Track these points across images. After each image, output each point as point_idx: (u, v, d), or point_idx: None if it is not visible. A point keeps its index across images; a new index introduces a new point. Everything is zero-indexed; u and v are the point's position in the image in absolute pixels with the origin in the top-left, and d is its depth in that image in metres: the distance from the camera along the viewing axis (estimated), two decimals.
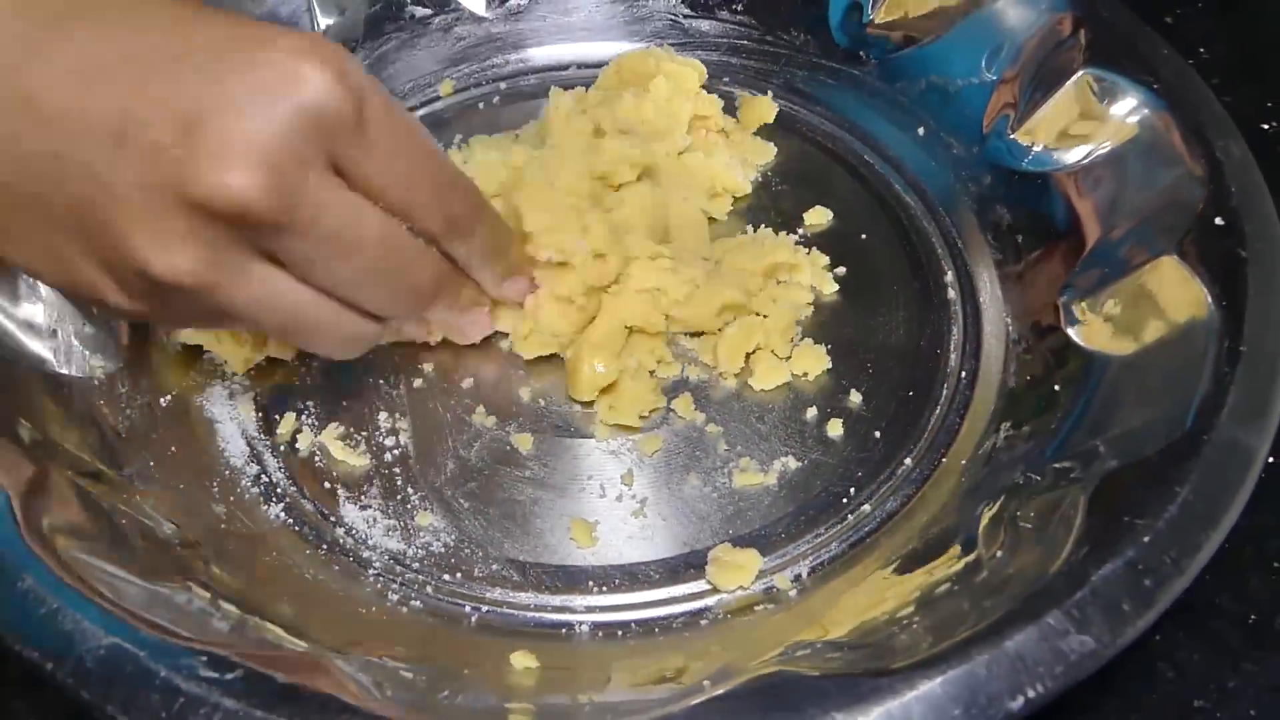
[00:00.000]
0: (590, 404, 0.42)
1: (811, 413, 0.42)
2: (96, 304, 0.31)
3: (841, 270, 0.46)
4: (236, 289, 0.30)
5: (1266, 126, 0.50)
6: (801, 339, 0.43)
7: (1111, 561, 0.29)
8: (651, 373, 0.42)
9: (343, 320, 0.33)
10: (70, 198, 0.29)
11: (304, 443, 0.41)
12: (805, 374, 0.42)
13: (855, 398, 0.42)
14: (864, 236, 0.47)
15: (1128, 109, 0.43)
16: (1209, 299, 0.35)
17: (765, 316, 0.43)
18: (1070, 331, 0.40)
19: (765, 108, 0.51)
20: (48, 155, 0.28)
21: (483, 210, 0.37)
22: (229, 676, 0.27)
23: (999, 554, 0.33)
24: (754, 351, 0.43)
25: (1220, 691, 0.35)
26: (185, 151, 0.28)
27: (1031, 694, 0.27)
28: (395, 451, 0.41)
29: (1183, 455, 0.31)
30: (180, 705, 0.27)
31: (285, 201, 0.29)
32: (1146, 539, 0.29)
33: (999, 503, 0.36)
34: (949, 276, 0.46)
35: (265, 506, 0.39)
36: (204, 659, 0.27)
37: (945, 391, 0.42)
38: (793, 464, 0.40)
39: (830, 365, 0.43)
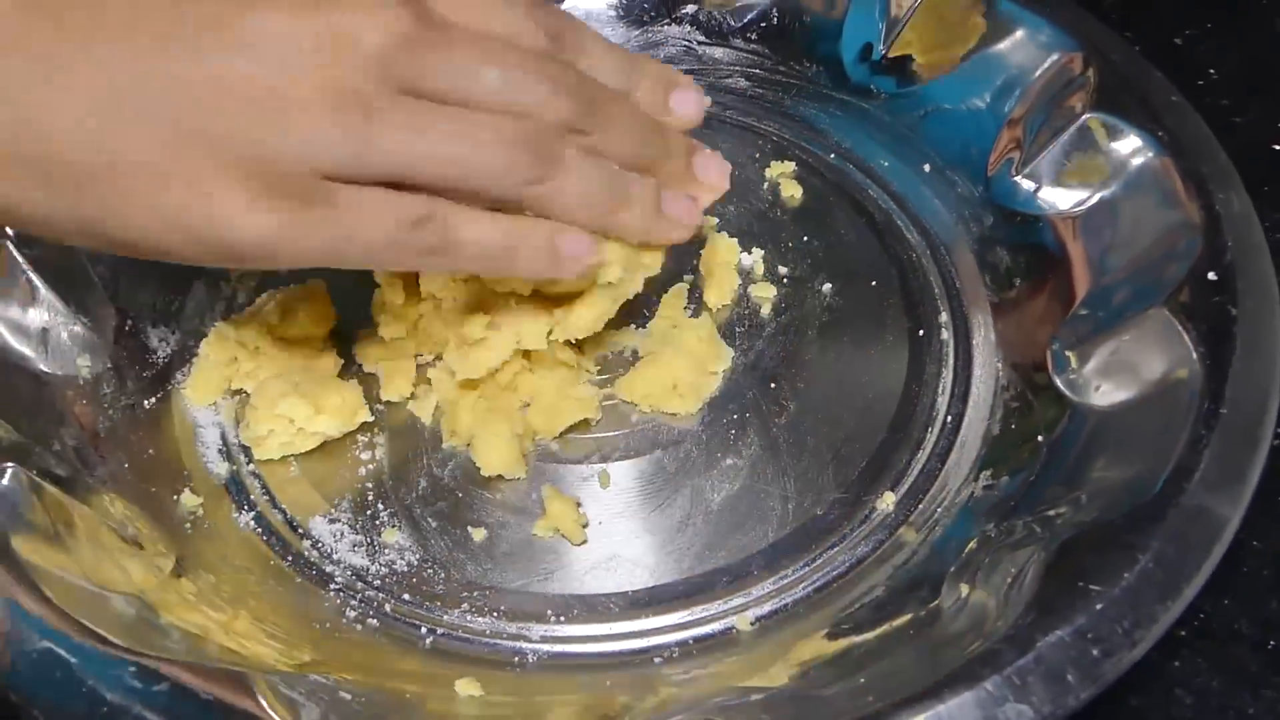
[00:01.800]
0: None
1: (790, 449, 0.41)
2: (225, 251, 0.30)
3: (828, 295, 0.45)
4: (397, 118, 0.31)
5: (1278, 146, 0.48)
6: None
7: (1060, 629, 0.28)
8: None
9: (503, 120, 0.32)
10: (204, 98, 0.29)
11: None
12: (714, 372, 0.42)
13: (837, 436, 0.41)
14: (861, 270, 0.47)
15: (1131, 155, 0.42)
16: (1195, 356, 0.34)
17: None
18: (1057, 380, 0.39)
19: (728, 250, 0.46)
20: (180, 61, 0.29)
21: (586, 31, 0.37)
22: (155, 689, 0.27)
23: (956, 608, 0.32)
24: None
25: (1240, 718, 0.34)
26: (324, 12, 0.30)
27: None
28: (370, 466, 0.41)
29: (1147, 520, 0.30)
30: (103, 714, 0.27)
31: (426, 23, 0.31)
32: (1099, 606, 0.28)
33: (967, 557, 0.35)
34: (944, 317, 0.45)
35: (235, 514, 0.40)
36: (132, 669, 0.27)
37: (929, 435, 0.41)
38: (767, 501, 0.39)
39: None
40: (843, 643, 0.34)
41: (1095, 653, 0.27)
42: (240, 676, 0.28)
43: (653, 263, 0.39)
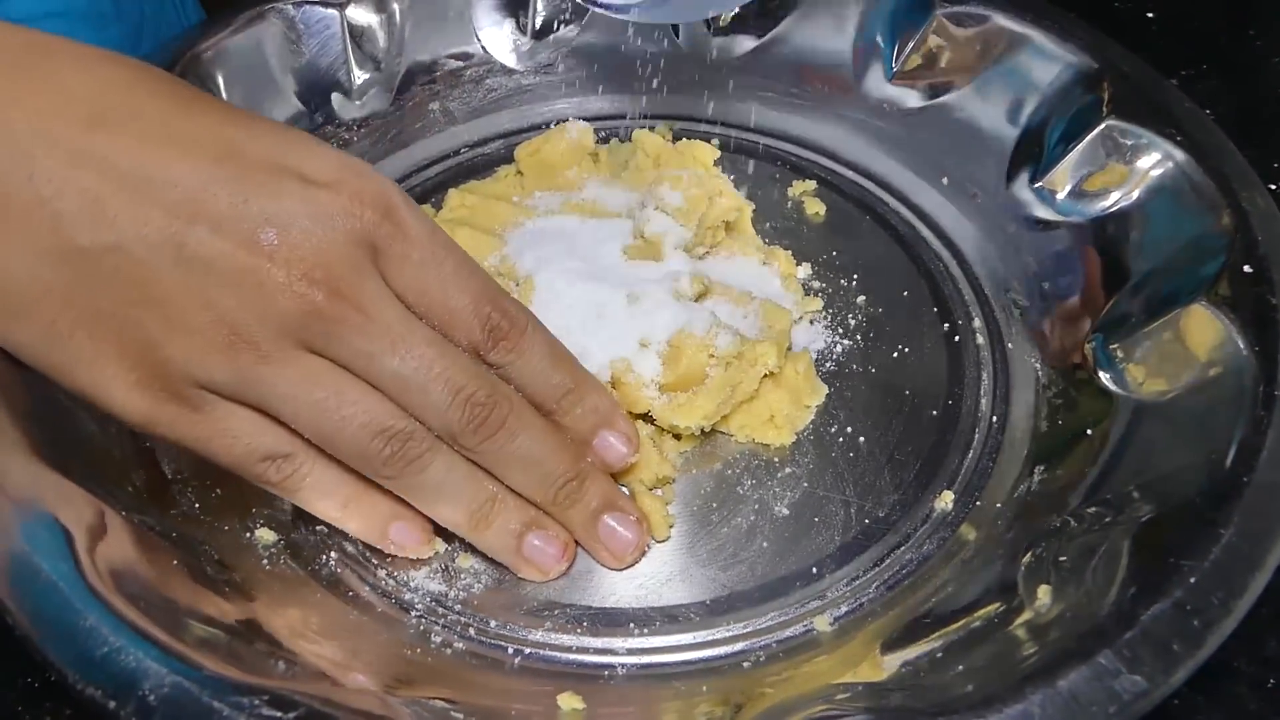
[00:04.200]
0: None
1: (845, 456, 0.42)
2: (100, 408, 0.33)
3: (864, 306, 0.47)
4: (284, 370, 0.32)
5: (1274, 187, 0.51)
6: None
7: (1160, 602, 0.29)
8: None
9: (381, 405, 0.33)
10: (120, 289, 0.31)
11: None
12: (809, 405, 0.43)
13: (888, 441, 0.42)
14: (891, 281, 0.48)
15: (1151, 161, 0.44)
16: (1242, 345, 0.36)
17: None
18: (1101, 376, 0.41)
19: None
20: (105, 248, 0.31)
21: (534, 330, 0.36)
22: (290, 715, 0.27)
23: (1041, 598, 0.33)
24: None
25: None
26: (252, 257, 0.31)
27: None
28: None
29: (1224, 497, 0.32)
30: None
31: (344, 297, 0.32)
32: (1193, 580, 0.30)
33: (1040, 547, 0.36)
34: (977, 322, 0.47)
35: (307, 548, 0.40)
36: (265, 697, 0.28)
37: (977, 435, 0.43)
38: (829, 506, 0.41)
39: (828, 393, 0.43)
40: (931, 636, 0.35)
41: (1195, 623, 0.29)
42: (368, 699, 0.28)
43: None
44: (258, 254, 0.31)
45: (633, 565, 0.39)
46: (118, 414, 0.33)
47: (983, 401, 0.44)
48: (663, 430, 0.42)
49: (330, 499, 0.36)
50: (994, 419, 0.43)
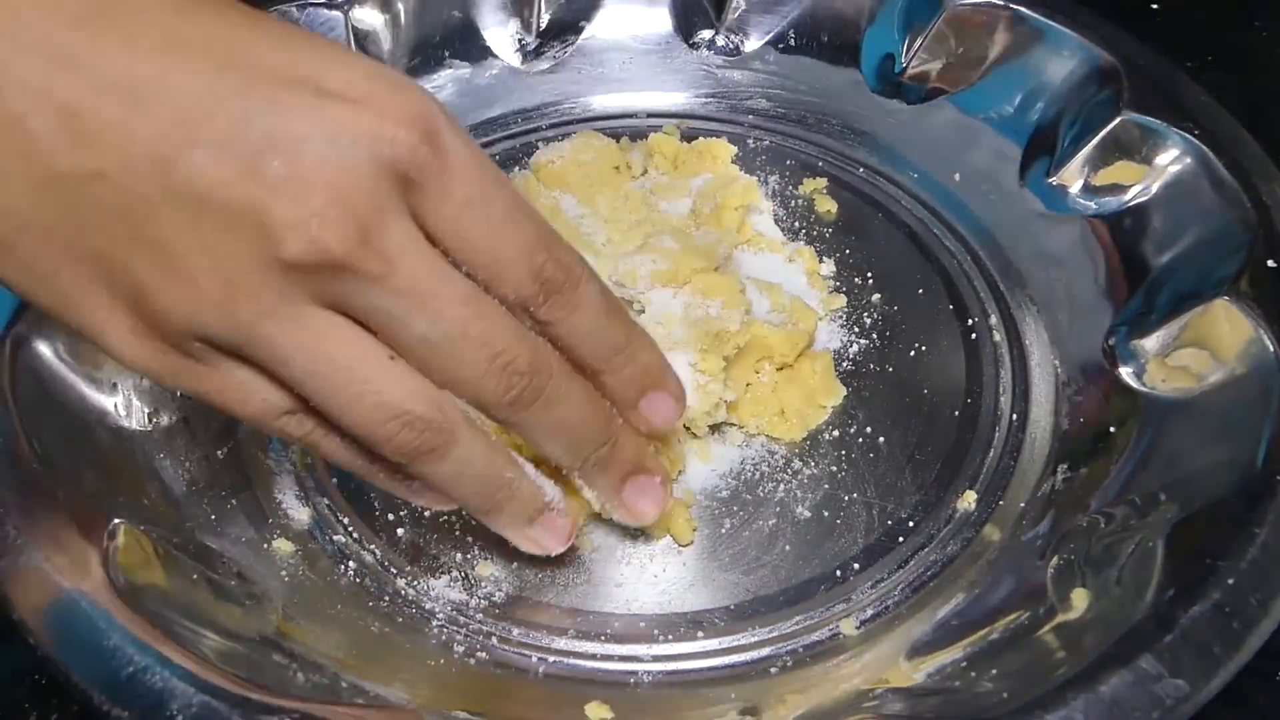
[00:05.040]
0: None
1: (865, 457, 0.42)
2: (92, 342, 0.29)
3: (879, 304, 0.47)
4: (286, 327, 0.27)
5: None
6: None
7: (1199, 604, 0.29)
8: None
9: (397, 382, 0.29)
10: (105, 224, 0.26)
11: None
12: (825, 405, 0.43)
13: (908, 441, 0.42)
14: (906, 279, 0.48)
15: (1168, 154, 0.44)
16: (1268, 341, 0.36)
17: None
18: (1121, 373, 0.41)
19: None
20: (87, 174, 0.26)
21: (588, 281, 0.31)
22: None
23: (1075, 602, 0.33)
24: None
25: None
26: (252, 190, 0.26)
27: None
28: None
29: (1257, 497, 0.31)
30: None
31: (365, 243, 0.27)
32: (1230, 581, 0.29)
33: (1067, 548, 0.36)
34: (993, 319, 0.46)
35: (325, 558, 0.39)
36: (296, 716, 0.27)
37: (997, 434, 0.43)
38: (851, 508, 0.40)
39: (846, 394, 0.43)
40: (960, 640, 0.34)
41: (1235, 625, 0.28)
42: (403, 711, 0.28)
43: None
44: (260, 185, 0.26)
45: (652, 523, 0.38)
46: (117, 359, 0.28)
47: (1002, 400, 0.44)
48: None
49: (348, 457, 0.31)
50: (1014, 417, 0.43)
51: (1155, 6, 0.60)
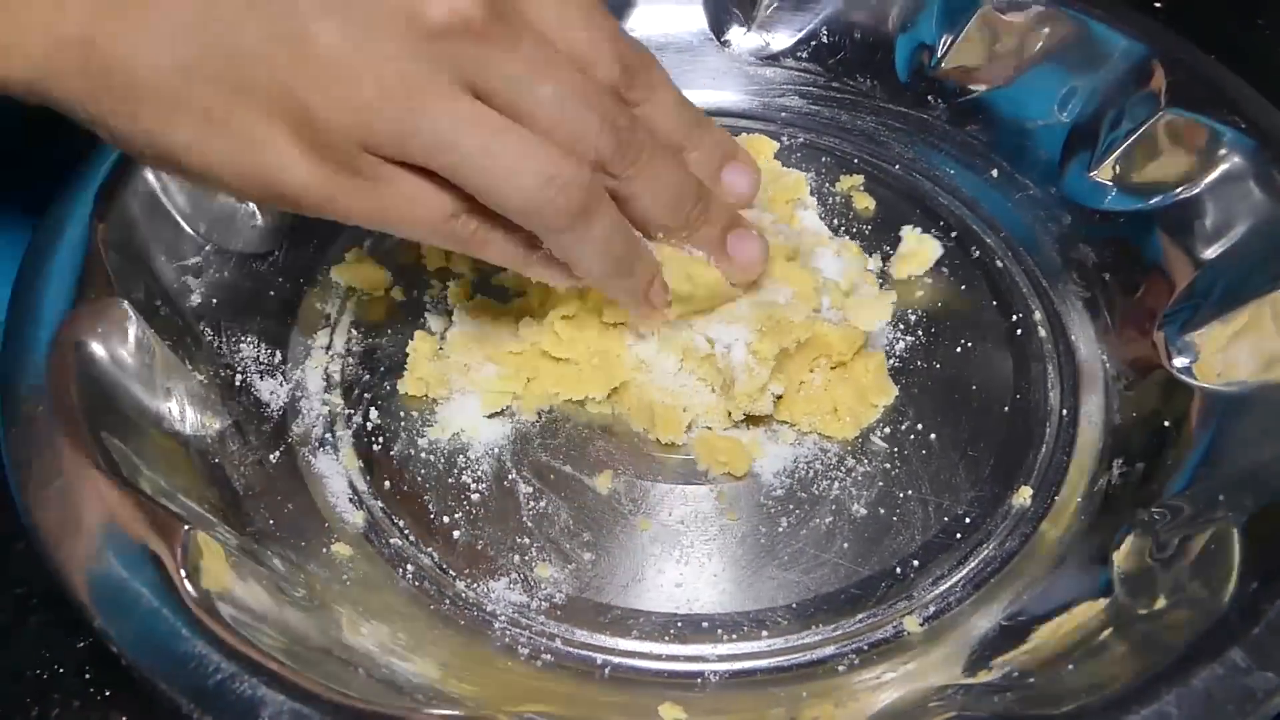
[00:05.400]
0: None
1: (919, 454, 0.42)
2: (273, 195, 0.31)
3: (922, 301, 0.47)
4: (441, 109, 0.30)
5: None
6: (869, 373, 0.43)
7: None
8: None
9: (543, 149, 0.32)
10: (266, 54, 0.29)
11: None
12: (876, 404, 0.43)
13: (960, 438, 0.42)
14: (948, 279, 0.48)
15: (1214, 148, 0.44)
16: None
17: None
18: (1173, 367, 0.41)
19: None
20: (244, 6, 0.29)
21: (660, 67, 0.36)
22: None
23: (1145, 595, 0.33)
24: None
25: None
26: None
27: None
28: (509, 502, 0.40)
29: None
30: None
31: (498, 15, 0.30)
32: None
33: (1131, 542, 0.36)
34: (1038, 315, 0.46)
35: (382, 561, 0.39)
36: None
37: (1048, 430, 0.43)
38: (907, 505, 0.40)
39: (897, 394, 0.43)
40: (1029, 636, 0.34)
41: None
42: (490, 715, 0.28)
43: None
44: None
45: (756, 279, 0.40)
46: (293, 196, 0.31)
47: (1051, 395, 0.44)
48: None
49: (512, 251, 0.35)
50: (1064, 412, 0.43)
51: (1159, 5, 0.60)
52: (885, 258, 0.48)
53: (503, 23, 0.31)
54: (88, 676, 0.34)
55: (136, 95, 0.30)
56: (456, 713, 0.29)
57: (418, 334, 0.44)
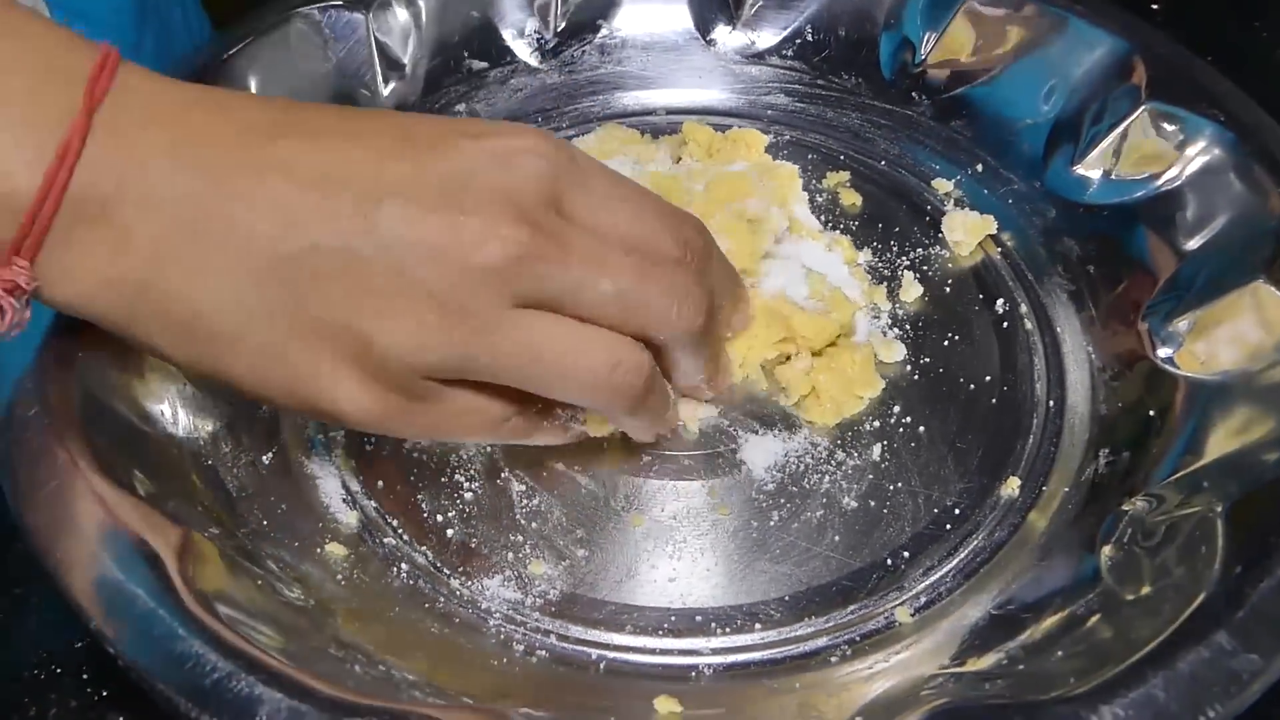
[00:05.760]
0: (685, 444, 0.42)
1: (907, 446, 0.42)
2: (327, 418, 0.33)
3: (916, 298, 0.47)
4: (504, 334, 0.31)
5: None
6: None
7: (1267, 579, 0.29)
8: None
9: (606, 343, 0.33)
10: (323, 292, 0.31)
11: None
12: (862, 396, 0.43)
13: (948, 430, 0.43)
14: (934, 271, 0.48)
15: (1194, 141, 0.44)
16: None
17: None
18: (1157, 357, 0.42)
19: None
20: (303, 251, 0.30)
21: (710, 239, 0.38)
22: None
23: (1133, 581, 0.33)
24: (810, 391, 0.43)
25: None
26: (444, 218, 0.30)
27: (1211, 714, 0.27)
28: (501, 500, 0.41)
29: None
30: None
31: (546, 235, 0.31)
32: None
33: (1119, 530, 0.36)
34: (1024, 308, 0.47)
35: (377, 560, 0.39)
36: (386, 717, 0.27)
37: (1035, 421, 0.43)
38: (897, 497, 0.41)
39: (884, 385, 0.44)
40: (1021, 623, 0.35)
41: None
42: (493, 709, 0.28)
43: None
44: (451, 210, 0.31)
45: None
46: (347, 421, 0.32)
47: (1037, 386, 0.44)
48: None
49: (563, 422, 0.38)
50: (1050, 404, 0.44)
51: (1155, 7, 0.60)
52: (874, 251, 0.49)
53: (552, 239, 0.32)
54: (85, 677, 0.34)
55: (191, 331, 0.31)
56: (457, 704, 0.29)
57: None
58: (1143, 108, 0.46)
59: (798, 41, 0.56)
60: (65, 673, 0.32)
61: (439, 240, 0.30)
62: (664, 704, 0.34)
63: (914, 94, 0.54)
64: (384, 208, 0.30)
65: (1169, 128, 0.45)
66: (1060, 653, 0.32)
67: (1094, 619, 0.33)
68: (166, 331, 0.32)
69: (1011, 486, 0.41)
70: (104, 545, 0.30)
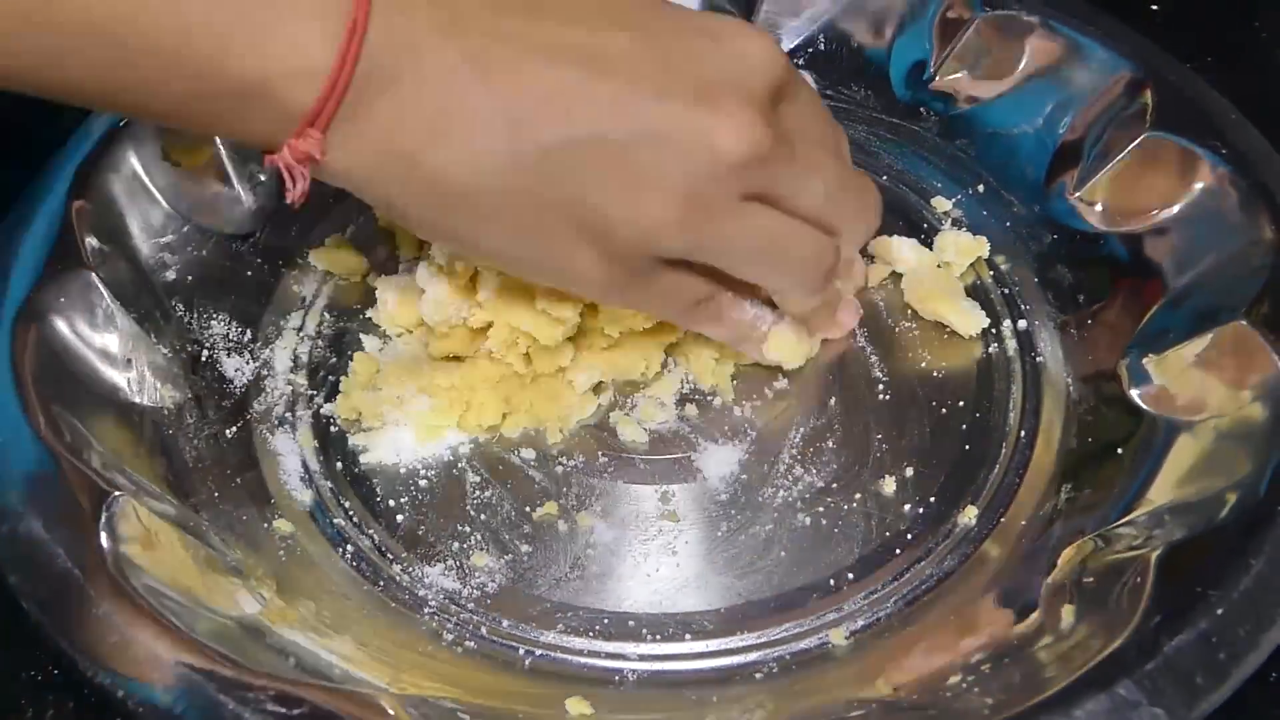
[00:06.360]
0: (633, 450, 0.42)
1: (869, 467, 0.41)
2: (561, 287, 0.38)
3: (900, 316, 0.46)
4: (733, 225, 0.34)
5: None
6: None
7: (1184, 632, 0.28)
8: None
9: (814, 237, 0.37)
10: (580, 175, 0.32)
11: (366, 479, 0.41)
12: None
13: (914, 454, 0.42)
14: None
15: (1194, 173, 0.43)
16: None
17: None
18: (1133, 393, 0.40)
19: None
20: (566, 139, 0.32)
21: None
22: (295, 713, 0.27)
23: (1062, 620, 0.32)
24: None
25: None
26: (701, 116, 0.32)
27: None
28: (453, 490, 0.41)
29: (1256, 525, 0.31)
30: None
31: (780, 138, 0.34)
32: (1220, 610, 0.29)
33: (1059, 568, 0.35)
34: (1008, 333, 0.46)
35: (323, 540, 0.40)
36: (271, 694, 0.28)
37: (1004, 450, 0.42)
38: (850, 518, 0.40)
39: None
40: (948, 655, 0.34)
41: (1221, 656, 0.28)
42: (371, 699, 0.28)
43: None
44: (702, 108, 0.32)
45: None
46: (578, 291, 0.37)
47: (1011, 415, 0.43)
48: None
49: (743, 323, 0.41)
50: (1022, 434, 0.42)
51: (1155, 7, 0.58)
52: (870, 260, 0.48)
53: (783, 141, 0.34)
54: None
55: (452, 205, 0.33)
56: (341, 694, 0.29)
57: (358, 355, 0.44)
58: (1145, 135, 0.44)
59: (809, 51, 0.55)
60: (63, 674, 0.32)
61: (690, 136, 0.32)
62: (575, 705, 0.34)
63: (922, 109, 0.53)
64: (641, 104, 0.32)
65: (1169, 157, 0.43)
66: (980, 689, 0.31)
67: (1021, 655, 0.32)
68: (430, 207, 0.33)
69: (969, 515, 0.40)
70: (31, 501, 0.31)
